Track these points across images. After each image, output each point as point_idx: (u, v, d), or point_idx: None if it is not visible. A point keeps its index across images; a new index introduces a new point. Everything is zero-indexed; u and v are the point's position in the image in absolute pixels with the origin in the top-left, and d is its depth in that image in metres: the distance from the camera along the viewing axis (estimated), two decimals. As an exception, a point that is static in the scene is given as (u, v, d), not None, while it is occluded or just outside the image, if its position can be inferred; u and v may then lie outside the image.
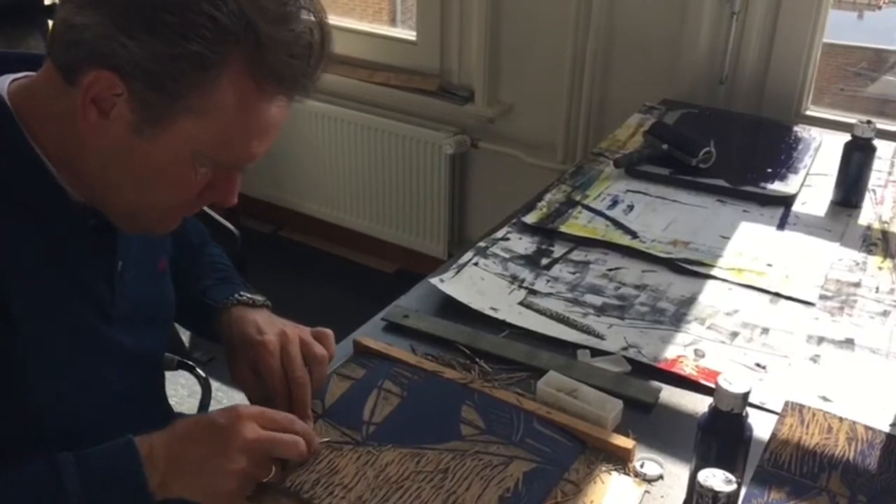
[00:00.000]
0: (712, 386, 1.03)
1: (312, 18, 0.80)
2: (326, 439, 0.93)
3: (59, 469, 0.80)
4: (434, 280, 1.25)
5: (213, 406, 1.34)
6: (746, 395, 0.81)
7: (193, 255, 1.16)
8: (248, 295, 1.06)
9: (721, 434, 0.82)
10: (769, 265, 1.32)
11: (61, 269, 0.85)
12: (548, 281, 1.27)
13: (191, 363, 1.38)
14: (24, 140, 0.81)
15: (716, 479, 0.73)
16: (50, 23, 2.03)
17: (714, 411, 0.82)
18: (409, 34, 2.59)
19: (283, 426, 0.87)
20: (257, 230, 3.03)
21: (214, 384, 1.43)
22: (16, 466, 0.80)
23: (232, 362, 1.01)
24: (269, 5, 0.76)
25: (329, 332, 1.02)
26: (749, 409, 0.84)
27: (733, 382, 0.81)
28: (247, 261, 2.82)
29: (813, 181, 1.60)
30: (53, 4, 2.00)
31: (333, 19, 2.71)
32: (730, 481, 0.72)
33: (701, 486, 0.72)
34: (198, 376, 1.37)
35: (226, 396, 2.15)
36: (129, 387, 0.95)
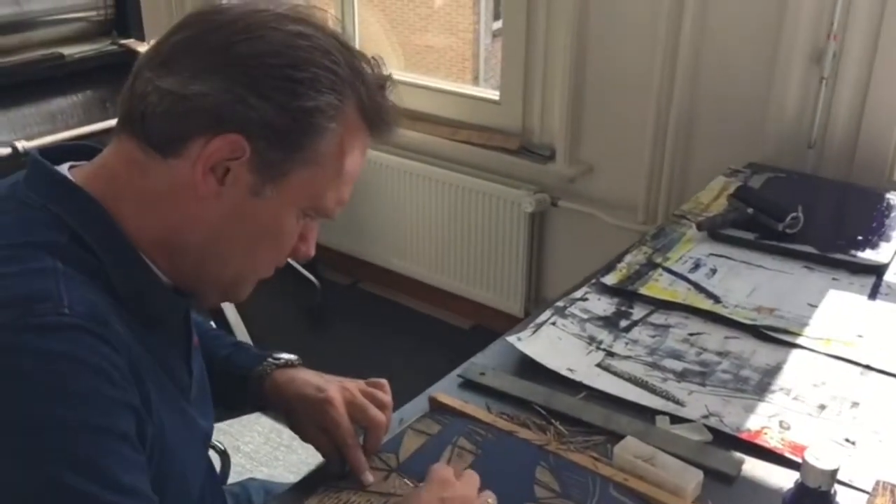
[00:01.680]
0: (798, 460, 1.00)
1: (371, 59, 0.85)
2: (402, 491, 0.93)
3: None
4: (511, 338, 1.25)
5: (233, 478, 1.32)
6: (835, 471, 0.78)
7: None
8: (284, 356, 1.07)
9: (808, 512, 0.79)
10: (860, 336, 1.27)
11: (164, 361, 0.83)
12: (626, 343, 1.26)
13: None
14: (121, 234, 0.78)
15: (802, 559, 0.70)
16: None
17: (800, 487, 0.79)
18: (493, 93, 2.63)
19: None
20: (337, 282, 3.08)
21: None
22: None
23: (297, 424, 1.01)
24: (358, 54, 0.83)
25: (384, 381, 1.04)
26: (837, 487, 0.81)
27: (821, 458, 0.78)
28: (326, 311, 2.88)
29: (907, 250, 1.54)
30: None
31: (418, 78, 2.79)
32: (817, 562, 0.69)
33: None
34: (215, 447, 1.33)
35: (248, 464, 2.17)
36: (208, 469, 0.97)
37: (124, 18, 2.26)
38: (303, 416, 1.00)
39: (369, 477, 0.96)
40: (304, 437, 1.01)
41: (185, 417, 0.86)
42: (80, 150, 0.84)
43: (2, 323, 0.67)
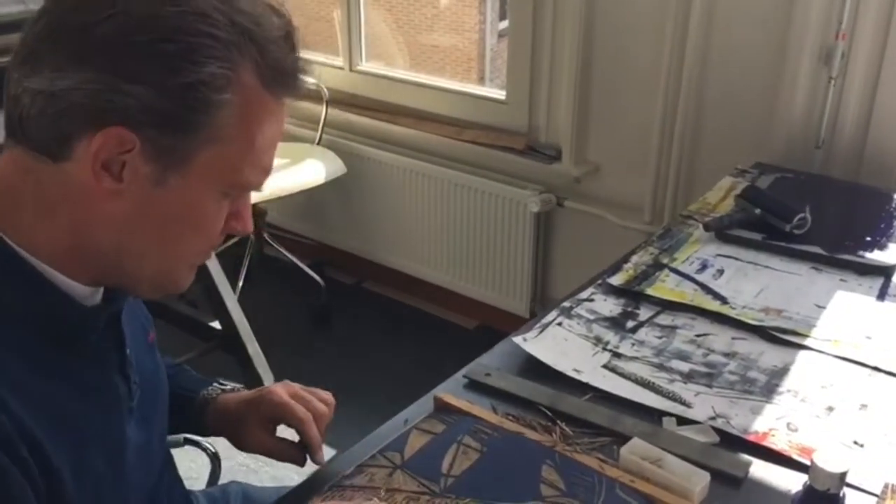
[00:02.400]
0: (806, 463, 0.99)
1: (267, 7, 0.76)
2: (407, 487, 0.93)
3: None
4: (517, 339, 1.24)
5: (224, 479, 1.32)
6: (844, 474, 0.77)
7: None
8: (230, 385, 1.06)
9: (816, 515, 0.78)
10: (868, 337, 1.26)
11: (84, 382, 0.77)
12: (633, 344, 1.25)
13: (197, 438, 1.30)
14: (14, 258, 0.71)
15: (811, 562, 0.69)
16: None
17: (809, 490, 0.79)
18: (499, 93, 2.63)
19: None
20: (341, 282, 3.08)
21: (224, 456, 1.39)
22: None
23: (243, 435, 1.01)
24: (245, 8, 0.73)
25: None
26: (846, 490, 0.80)
27: (830, 460, 0.78)
28: (330, 311, 2.88)
29: (915, 251, 1.53)
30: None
31: (424, 78, 2.78)
32: (826, 566, 0.69)
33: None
34: (206, 450, 1.31)
35: (238, 469, 2.15)
36: (154, 480, 0.92)
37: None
38: (248, 418, 1.00)
39: (323, 456, 0.97)
40: (251, 444, 1.01)
41: (113, 435, 0.80)
42: None
43: None
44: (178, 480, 1.05)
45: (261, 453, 1.02)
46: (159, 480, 0.95)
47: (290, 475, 2.08)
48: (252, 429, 1.00)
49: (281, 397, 0.98)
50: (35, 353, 0.72)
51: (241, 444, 1.03)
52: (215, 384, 1.05)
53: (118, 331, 0.83)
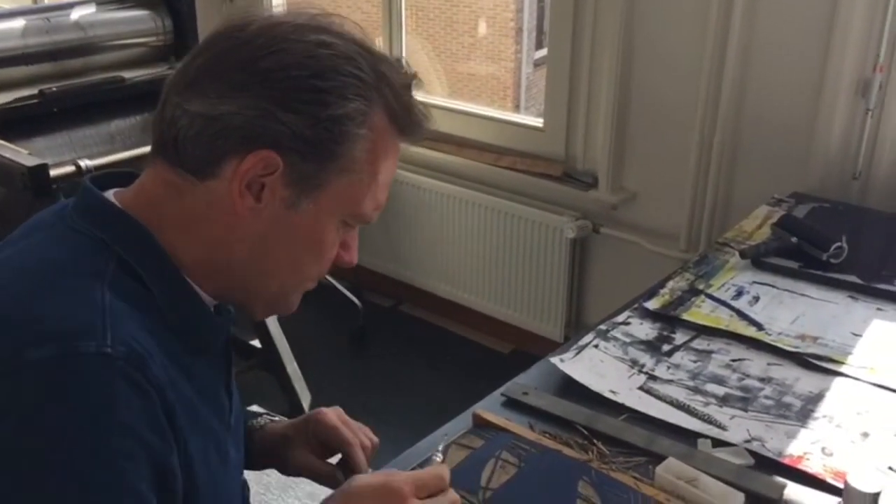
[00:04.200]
0: (840, 486, 1.01)
1: (393, 60, 0.84)
2: None
3: None
4: (554, 359, 1.27)
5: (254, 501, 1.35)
6: (878, 495, 0.79)
7: None
8: (278, 416, 1.08)
9: (850, 534, 0.80)
10: (904, 366, 1.27)
11: (206, 391, 0.82)
12: (668, 368, 1.27)
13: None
14: (167, 260, 0.78)
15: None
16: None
17: (842, 509, 0.80)
18: (536, 121, 2.67)
19: (435, 485, 0.84)
20: (378, 304, 3.12)
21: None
22: None
23: (290, 456, 1.02)
24: (382, 56, 0.82)
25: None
26: (880, 512, 0.82)
27: (864, 481, 0.79)
28: (367, 333, 2.92)
29: (953, 282, 1.54)
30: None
31: (464, 105, 2.82)
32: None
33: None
34: None
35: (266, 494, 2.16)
36: (242, 494, 0.97)
37: (182, 44, 2.34)
38: (297, 440, 1.01)
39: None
40: (298, 465, 1.02)
41: (220, 448, 0.84)
42: (121, 176, 0.84)
43: (45, 357, 0.67)
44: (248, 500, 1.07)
45: (306, 475, 1.03)
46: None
47: (327, 491, 2.10)
48: (300, 450, 1.02)
49: (333, 420, 1.00)
50: (177, 353, 0.77)
51: (286, 466, 1.03)
52: (264, 415, 1.07)
53: (228, 348, 0.89)
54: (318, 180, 0.78)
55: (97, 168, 1.87)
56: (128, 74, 2.25)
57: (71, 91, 2.15)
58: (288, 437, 1.03)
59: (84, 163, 1.83)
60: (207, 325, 0.82)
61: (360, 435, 1.01)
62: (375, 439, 1.02)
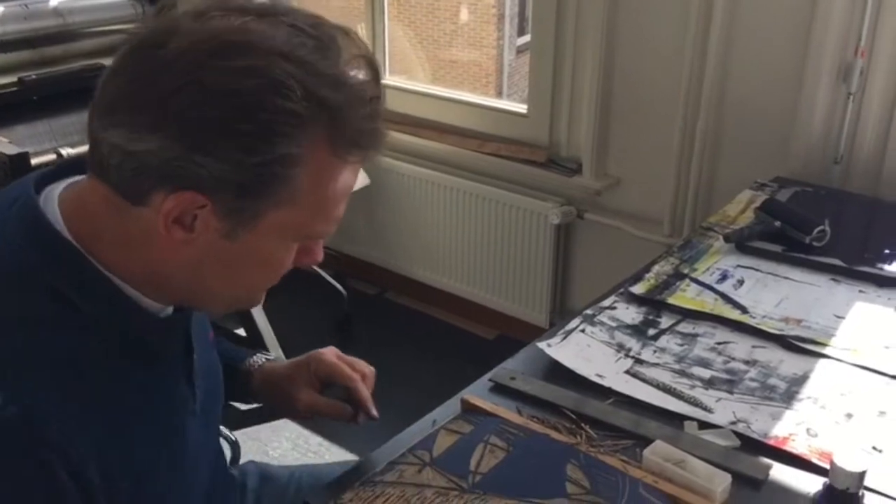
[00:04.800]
0: (826, 466, 1.02)
1: (360, 59, 0.75)
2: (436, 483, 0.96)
3: None
4: (541, 344, 1.27)
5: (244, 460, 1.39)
6: (863, 474, 0.80)
7: None
8: (273, 355, 1.17)
9: (836, 513, 0.81)
10: (886, 347, 1.29)
11: (160, 393, 0.82)
12: (654, 351, 1.28)
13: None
14: (102, 281, 0.75)
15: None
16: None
17: (829, 489, 0.81)
18: (520, 107, 2.67)
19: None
20: (363, 291, 3.12)
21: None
22: None
23: (293, 396, 1.08)
24: (324, 70, 0.72)
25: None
26: (866, 494, 0.83)
27: (850, 460, 0.80)
28: (352, 321, 2.92)
29: (934, 264, 1.55)
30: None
31: (447, 91, 2.81)
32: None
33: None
34: (227, 438, 1.39)
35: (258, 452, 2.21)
36: (210, 474, 0.98)
37: (162, 31, 2.32)
38: (298, 380, 1.08)
39: (374, 411, 1.06)
40: (301, 404, 1.07)
41: (178, 442, 0.85)
42: (71, 167, 0.82)
43: None
44: (224, 465, 1.12)
45: (311, 413, 1.09)
46: (213, 471, 1.00)
47: (353, 457, 2.11)
48: (302, 389, 1.08)
49: (332, 359, 1.08)
50: (112, 364, 0.75)
51: (290, 406, 1.09)
52: (259, 353, 1.13)
53: (187, 339, 0.87)
54: (252, 213, 0.73)
55: (78, 156, 1.85)
56: (107, 62, 2.20)
57: (50, 79, 2.12)
58: (290, 377, 1.09)
59: (65, 151, 1.81)
60: (153, 332, 0.80)
61: (358, 368, 1.09)
62: (372, 369, 1.10)
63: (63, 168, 0.82)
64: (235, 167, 0.70)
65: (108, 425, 0.73)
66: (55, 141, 1.98)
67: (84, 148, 1.85)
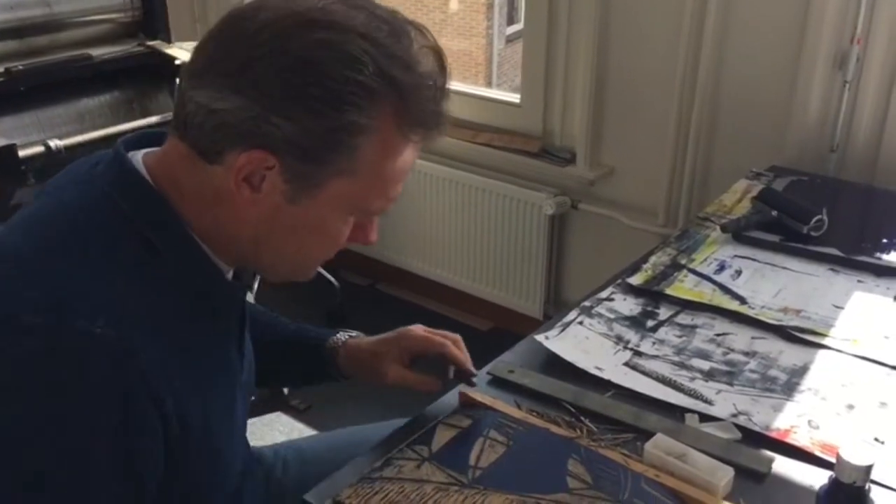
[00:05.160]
0: (828, 459, 1.01)
1: (429, 50, 0.81)
2: (435, 478, 0.95)
3: None
4: (539, 337, 1.26)
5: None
6: (870, 467, 0.79)
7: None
8: (355, 332, 1.19)
9: (842, 507, 0.80)
10: (886, 337, 1.28)
11: (217, 351, 0.88)
12: (653, 343, 1.27)
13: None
14: (182, 229, 0.81)
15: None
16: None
17: (835, 483, 0.80)
18: (513, 96, 2.65)
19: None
20: (356, 283, 3.10)
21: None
22: None
23: (382, 370, 1.13)
24: (397, 52, 0.77)
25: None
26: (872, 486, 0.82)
27: (856, 454, 0.79)
28: (345, 312, 2.90)
29: (932, 253, 1.55)
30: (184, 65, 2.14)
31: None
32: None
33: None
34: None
35: None
36: (246, 449, 1.04)
37: (151, 20, 2.29)
38: (387, 355, 1.12)
39: (473, 369, 1.12)
40: (391, 377, 1.12)
41: (230, 405, 0.90)
42: (154, 136, 0.87)
43: (35, 326, 0.71)
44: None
45: (400, 385, 1.13)
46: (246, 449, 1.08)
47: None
48: (391, 364, 1.12)
49: (421, 333, 1.13)
50: (189, 316, 0.81)
51: (380, 378, 1.13)
52: (342, 332, 1.17)
53: (243, 311, 0.93)
54: (316, 180, 0.78)
55: (67, 148, 1.82)
56: (95, 52, 2.19)
57: (38, 69, 2.09)
58: (377, 353, 1.13)
59: (54, 143, 1.78)
60: (220, 290, 0.86)
61: (447, 336, 1.14)
62: (458, 336, 1.15)
63: (144, 136, 0.87)
64: (304, 130, 0.75)
65: (186, 372, 0.79)
66: (43, 133, 1.95)
67: (78, 138, 1.85)
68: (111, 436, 0.73)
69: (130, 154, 0.83)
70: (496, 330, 2.79)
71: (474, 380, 1.12)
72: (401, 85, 0.77)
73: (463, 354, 1.12)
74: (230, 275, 0.89)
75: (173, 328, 0.78)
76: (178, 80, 0.83)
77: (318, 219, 0.81)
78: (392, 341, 1.14)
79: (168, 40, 2.31)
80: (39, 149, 1.78)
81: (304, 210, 0.80)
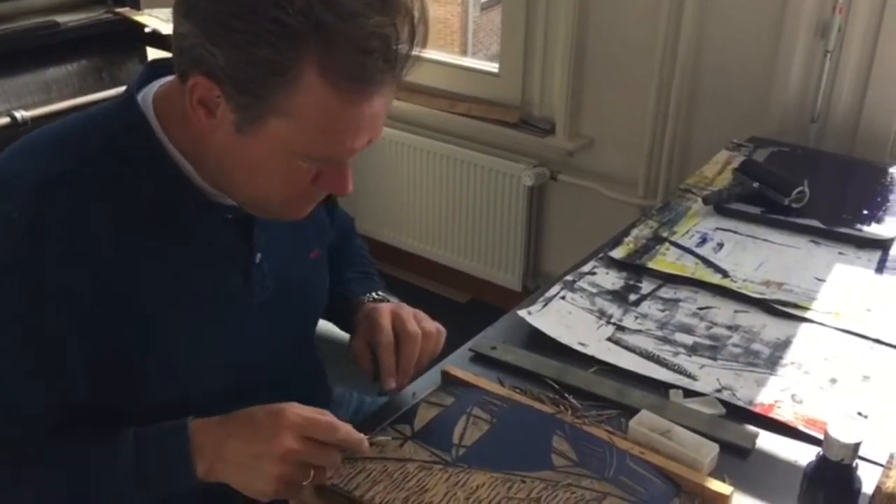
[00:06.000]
0: (813, 434, 1.01)
1: (398, 9, 0.78)
2: (379, 438, 0.95)
3: (119, 441, 0.85)
4: (522, 312, 1.24)
5: None
6: (858, 445, 0.78)
7: (340, 245, 1.21)
8: (384, 294, 1.13)
9: (829, 485, 0.80)
10: (868, 310, 1.28)
11: (192, 267, 0.90)
12: (636, 318, 1.25)
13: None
14: (159, 142, 0.87)
15: (830, 531, 0.70)
16: (149, 50, 2.12)
17: (822, 460, 0.80)
18: (492, 66, 2.61)
19: (324, 434, 0.86)
20: (332, 255, 3.06)
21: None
22: (91, 430, 0.87)
23: (352, 339, 1.07)
24: (341, 0, 0.75)
25: (443, 331, 1.07)
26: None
27: (844, 431, 0.78)
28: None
29: (911, 224, 1.55)
30: (154, 32, 2.08)
31: (416, 50, 2.71)
32: (845, 535, 0.69)
33: (814, 539, 0.69)
34: None
35: None
36: (272, 370, 1.01)
37: (118, -15, 2.22)
38: (359, 333, 1.06)
39: (392, 383, 1.00)
40: (351, 353, 1.06)
41: (220, 326, 0.93)
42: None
43: None
44: (320, 379, 1.16)
45: (354, 361, 1.07)
46: (296, 376, 1.05)
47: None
48: (357, 338, 1.06)
49: (383, 320, 1.02)
50: (154, 230, 0.87)
51: (350, 349, 1.08)
52: (371, 294, 1.12)
53: (248, 234, 0.94)
54: (255, 114, 0.79)
55: (33, 119, 1.77)
56: (62, 19, 2.11)
57: (2, 37, 2.01)
58: (360, 323, 1.07)
59: (20, 114, 1.73)
60: (191, 206, 0.89)
61: (406, 329, 1.02)
62: (433, 329, 1.04)
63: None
64: (230, 62, 0.77)
65: (119, 255, 0.84)
66: (9, 103, 1.89)
67: (45, 108, 1.79)
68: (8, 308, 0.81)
69: (157, 81, 0.90)
70: (474, 302, 2.77)
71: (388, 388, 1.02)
72: (328, 31, 0.74)
73: (387, 361, 1.01)
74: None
75: (129, 227, 0.85)
76: None
77: (264, 155, 0.82)
78: (370, 316, 1.08)
79: (137, 7, 2.24)
80: (5, 120, 1.73)
81: (251, 144, 0.82)
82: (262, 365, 0.99)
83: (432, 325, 1.05)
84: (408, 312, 1.05)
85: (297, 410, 0.86)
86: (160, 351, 0.89)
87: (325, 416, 0.87)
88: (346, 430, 0.87)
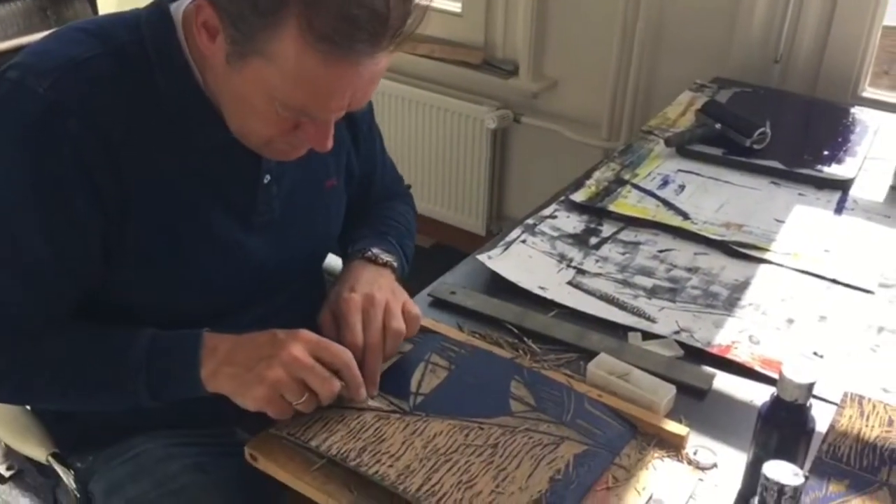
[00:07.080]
0: (769, 374, 1.01)
1: None
2: (376, 405, 0.92)
3: (135, 337, 0.90)
4: (482, 256, 1.23)
5: None
6: (812, 385, 0.78)
7: (373, 205, 1.22)
8: (377, 251, 1.08)
9: (783, 425, 0.80)
10: (826, 251, 1.28)
11: (197, 174, 0.93)
12: (597, 261, 1.25)
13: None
14: (180, 50, 0.90)
15: (782, 471, 0.70)
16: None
17: (776, 401, 0.80)
18: (454, 5, 2.55)
19: (333, 362, 0.89)
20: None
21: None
22: (110, 328, 0.93)
23: (323, 306, 1.03)
24: None
25: (419, 316, 1.01)
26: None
27: (798, 371, 0.78)
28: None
29: (870, 165, 1.55)
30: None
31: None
32: (797, 475, 0.70)
33: (767, 479, 0.70)
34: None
35: None
36: (268, 292, 1.03)
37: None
38: (328, 303, 1.01)
39: (362, 394, 0.90)
40: (319, 319, 1.00)
41: (208, 234, 0.95)
42: None
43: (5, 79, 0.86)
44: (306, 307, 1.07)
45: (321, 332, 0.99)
46: (295, 296, 1.08)
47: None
48: (325, 310, 1.01)
49: (350, 317, 0.95)
50: (165, 133, 0.90)
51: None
52: (371, 251, 1.07)
53: (257, 157, 0.95)
54: (244, 50, 0.82)
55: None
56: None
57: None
58: (329, 294, 1.04)
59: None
60: (200, 116, 0.91)
61: (372, 338, 0.95)
62: (404, 329, 0.97)
63: None
64: None
65: (131, 139, 0.88)
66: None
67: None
68: (27, 181, 0.85)
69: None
70: (438, 246, 2.76)
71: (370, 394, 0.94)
72: None
73: (356, 378, 0.90)
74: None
75: (143, 125, 0.88)
76: None
77: (247, 93, 0.84)
78: (332, 295, 1.02)
79: (82, -57, 2.15)
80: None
81: (236, 78, 0.84)
82: (256, 286, 1.01)
83: (400, 323, 0.97)
84: (378, 310, 0.96)
85: (313, 334, 0.90)
86: (157, 239, 0.92)
87: (333, 345, 0.90)
88: (354, 368, 0.90)
